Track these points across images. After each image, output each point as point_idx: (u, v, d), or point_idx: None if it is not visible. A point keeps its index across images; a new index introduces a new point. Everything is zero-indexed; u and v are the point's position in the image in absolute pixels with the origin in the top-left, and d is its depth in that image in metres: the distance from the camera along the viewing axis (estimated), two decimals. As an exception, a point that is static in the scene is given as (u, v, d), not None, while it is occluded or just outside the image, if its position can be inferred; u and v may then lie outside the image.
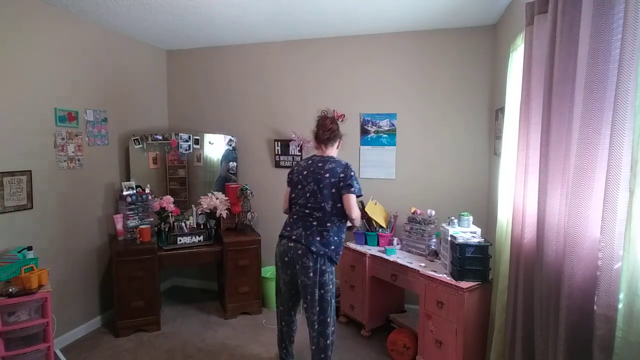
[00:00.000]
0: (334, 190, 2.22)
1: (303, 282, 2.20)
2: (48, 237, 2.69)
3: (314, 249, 2.17)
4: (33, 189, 2.55)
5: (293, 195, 2.36)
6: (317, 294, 2.20)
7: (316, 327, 2.23)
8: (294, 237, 2.23)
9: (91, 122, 3.00)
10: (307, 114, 3.52)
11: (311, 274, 2.17)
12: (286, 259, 2.26)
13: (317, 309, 2.21)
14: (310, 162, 2.35)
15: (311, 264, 2.17)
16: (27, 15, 2.50)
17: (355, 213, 2.24)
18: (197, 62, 3.84)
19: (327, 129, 2.35)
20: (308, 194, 2.26)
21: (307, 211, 2.25)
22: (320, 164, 2.29)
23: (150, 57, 3.71)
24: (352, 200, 2.21)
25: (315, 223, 2.22)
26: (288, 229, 2.31)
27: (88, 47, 2.97)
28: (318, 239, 2.20)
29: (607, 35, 1.22)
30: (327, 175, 2.22)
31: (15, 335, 2.13)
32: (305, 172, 2.31)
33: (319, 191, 2.22)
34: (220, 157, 3.72)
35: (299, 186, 2.31)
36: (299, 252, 2.19)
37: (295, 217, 2.31)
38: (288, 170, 2.48)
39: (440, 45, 3.18)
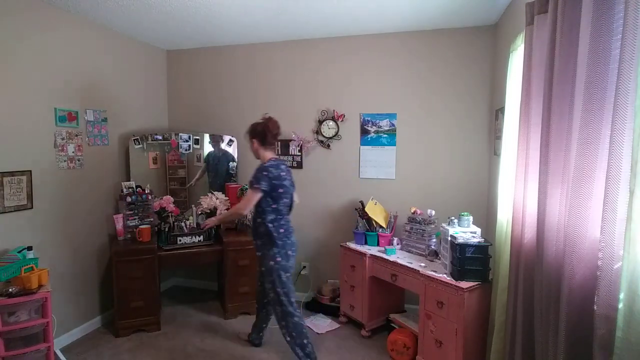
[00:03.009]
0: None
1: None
2: (48, 237, 2.69)
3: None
4: (33, 189, 2.55)
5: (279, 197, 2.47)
6: None
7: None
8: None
9: (91, 122, 3.00)
10: (307, 114, 3.52)
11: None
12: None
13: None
14: (284, 166, 2.55)
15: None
16: (27, 15, 2.50)
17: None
18: (197, 62, 3.84)
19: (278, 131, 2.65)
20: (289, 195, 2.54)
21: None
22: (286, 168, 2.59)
23: (150, 57, 3.71)
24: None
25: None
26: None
27: (88, 47, 2.97)
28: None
29: (607, 35, 1.22)
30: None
31: (15, 335, 2.13)
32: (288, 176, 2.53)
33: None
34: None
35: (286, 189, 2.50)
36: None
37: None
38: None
39: (440, 45, 3.18)
